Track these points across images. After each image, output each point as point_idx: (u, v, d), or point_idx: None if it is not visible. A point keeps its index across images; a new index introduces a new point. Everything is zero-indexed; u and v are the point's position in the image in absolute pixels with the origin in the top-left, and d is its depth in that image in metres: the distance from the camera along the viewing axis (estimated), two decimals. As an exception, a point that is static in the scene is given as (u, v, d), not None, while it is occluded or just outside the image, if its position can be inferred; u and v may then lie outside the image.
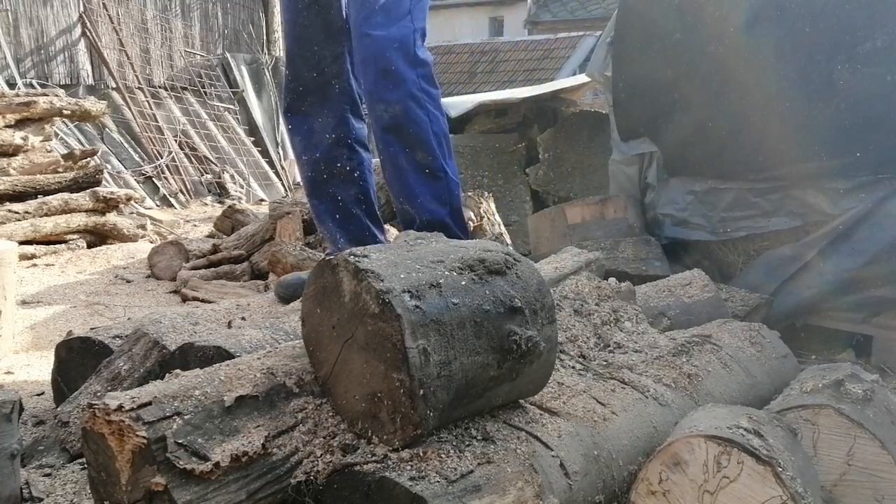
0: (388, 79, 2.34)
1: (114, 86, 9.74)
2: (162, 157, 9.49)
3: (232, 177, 10.19)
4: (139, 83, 10.03)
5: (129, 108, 9.65)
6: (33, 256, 5.21)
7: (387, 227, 3.83)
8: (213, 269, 4.53)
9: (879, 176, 2.96)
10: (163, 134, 9.78)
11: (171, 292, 4.38)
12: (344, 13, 2.60)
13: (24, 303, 3.94)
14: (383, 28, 2.32)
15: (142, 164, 9.32)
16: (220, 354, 1.69)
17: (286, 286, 2.45)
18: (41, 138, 6.13)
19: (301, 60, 2.63)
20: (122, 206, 6.32)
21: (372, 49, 2.35)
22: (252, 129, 11.31)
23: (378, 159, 2.53)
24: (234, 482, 1.22)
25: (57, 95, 6.53)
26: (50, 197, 5.65)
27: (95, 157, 6.66)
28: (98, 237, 5.87)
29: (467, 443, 1.34)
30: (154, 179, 9.29)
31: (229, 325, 2.20)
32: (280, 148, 11.48)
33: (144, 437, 1.16)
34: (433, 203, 2.41)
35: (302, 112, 2.67)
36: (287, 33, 2.66)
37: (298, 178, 10.74)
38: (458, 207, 2.49)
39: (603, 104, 4.87)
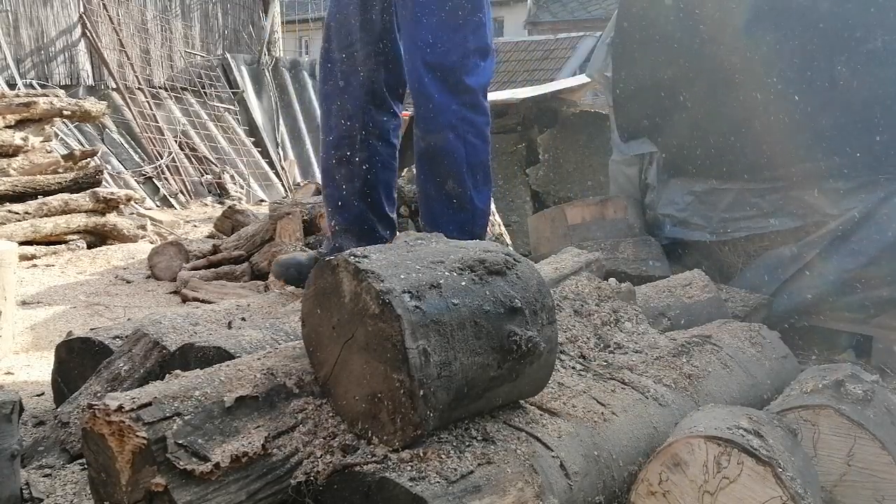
0: (428, 109, 2.27)
1: (114, 86, 9.75)
2: (162, 158, 9.50)
3: (232, 177, 10.20)
4: (139, 84, 10.04)
5: (130, 109, 9.65)
6: (33, 257, 5.21)
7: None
8: (213, 269, 4.53)
9: (879, 176, 2.96)
10: (163, 134, 9.78)
11: (171, 293, 4.38)
12: (384, 17, 2.49)
13: (24, 303, 3.94)
14: (428, 54, 2.21)
15: (142, 164, 9.32)
16: (220, 355, 1.69)
17: (281, 265, 2.44)
18: (41, 139, 6.14)
19: (336, 41, 2.53)
20: (122, 206, 6.33)
21: (414, 74, 2.27)
22: (252, 130, 11.31)
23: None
24: (234, 483, 1.22)
25: (57, 96, 6.54)
26: (50, 197, 5.65)
27: (95, 157, 6.67)
28: (98, 238, 5.87)
29: (467, 443, 1.34)
30: (154, 180, 9.29)
31: (229, 326, 2.20)
32: (280, 148, 11.48)
33: (144, 438, 1.16)
34: (455, 232, 2.31)
35: (326, 90, 2.59)
36: (330, 10, 2.57)
37: (299, 179, 10.74)
38: (482, 236, 2.41)
39: (603, 105, 4.87)
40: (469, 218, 2.35)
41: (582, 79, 5.27)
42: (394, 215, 2.73)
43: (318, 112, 2.63)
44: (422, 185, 2.40)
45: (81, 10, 9.63)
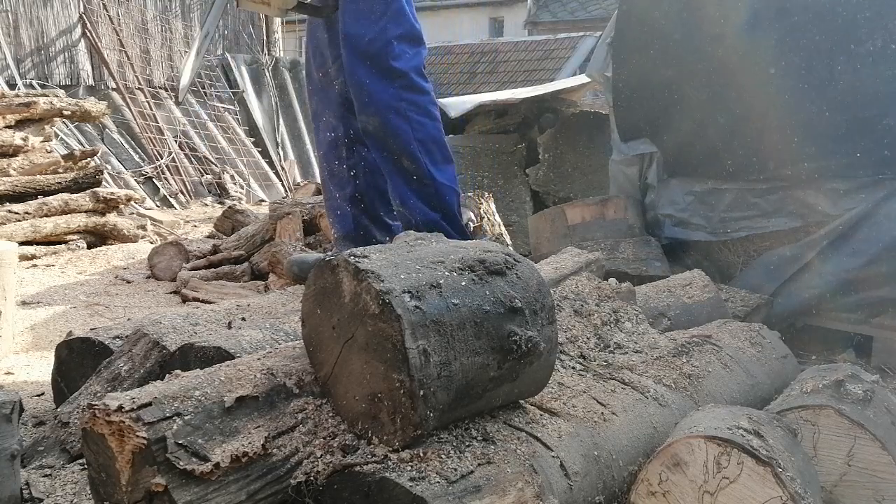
0: (363, 94, 2.39)
1: (114, 86, 9.74)
2: (162, 158, 9.49)
3: (232, 177, 10.19)
4: (139, 84, 10.03)
5: (130, 109, 9.65)
6: (33, 257, 5.21)
7: None
8: (213, 269, 4.53)
9: (879, 176, 2.96)
10: (163, 134, 9.78)
11: (171, 293, 4.38)
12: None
13: (24, 303, 3.94)
14: (355, 46, 2.35)
15: (142, 164, 9.32)
16: (220, 355, 1.69)
17: (298, 263, 2.51)
18: (41, 139, 6.14)
19: (314, 60, 2.69)
20: (122, 206, 6.33)
21: (348, 66, 2.41)
22: (252, 130, 11.31)
23: None
24: (234, 483, 1.22)
25: (57, 96, 6.54)
26: (50, 197, 5.65)
27: (95, 157, 6.67)
28: (98, 238, 5.87)
29: (467, 443, 1.34)
30: (154, 180, 9.29)
31: (229, 326, 2.20)
32: (280, 148, 11.48)
33: (144, 438, 1.16)
34: (425, 206, 2.44)
35: (313, 109, 2.76)
36: (306, 32, 2.75)
37: (299, 179, 10.76)
38: (453, 212, 2.49)
39: (603, 105, 4.87)
40: (434, 193, 2.44)
41: (582, 79, 5.27)
42: (391, 219, 2.77)
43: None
44: (381, 164, 2.51)
45: (81, 10, 9.63)
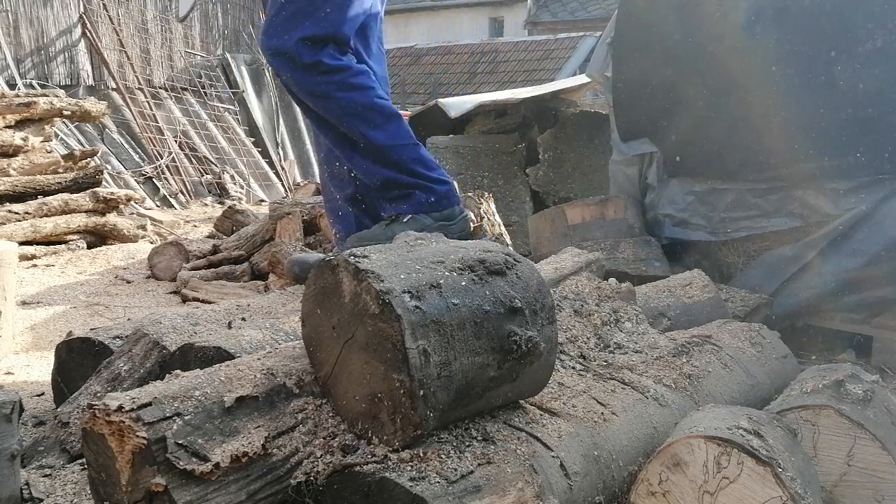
0: (284, 80, 2.49)
1: (114, 86, 9.75)
2: (162, 158, 9.49)
3: (232, 177, 10.20)
4: (139, 84, 10.03)
5: (130, 109, 9.65)
6: (33, 257, 5.21)
7: None
8: (213, 269, 4.53)
9: (879, 176, 2.96)
10: (163, 134, 9.78)
11: (171, 293, 4.38)
12: None
13: (24, 303, 3.94)
14: (270, 38, 2.44)
15: (142, 164, 9.32)
16: (220, 355, 1.69)
17: (299, 263, 2.55)
18: (41, 139, 6.14)
19: None
20: (122, 206, 6.33)
21: (272, 67, 2.53)
22: (252, 130, 11.31)
23: None
24: (234, 483, 1.22)
25: (57, 96, 6.54)
26: (50, 197, 5.65)
27: (95, 157, 6.67)
28: (98, 238, 5.87)
29: (467, 443, 1.34)
30: (154, 180, 9.29)
31: (229, 326, 2.20)
32: (280, 148, 11.48)
33: (144, 438, 1.16)
34: (375, 166, 2.52)
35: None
36: None
37: (299, 179, 10.75)
38: (408, 166, 2.51)
39: (603, 105, 4.87)
40: (382, 154, 2.50)
41: (582, 79, 5.27)
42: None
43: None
44: (334, 146, 2.59)
45: (81, 10, 9.63)
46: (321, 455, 1.29)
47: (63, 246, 5.53)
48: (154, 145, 9.58)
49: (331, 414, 1.35)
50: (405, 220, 2.48)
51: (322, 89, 2.44)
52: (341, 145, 2.55)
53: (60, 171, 6.05)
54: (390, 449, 1.26)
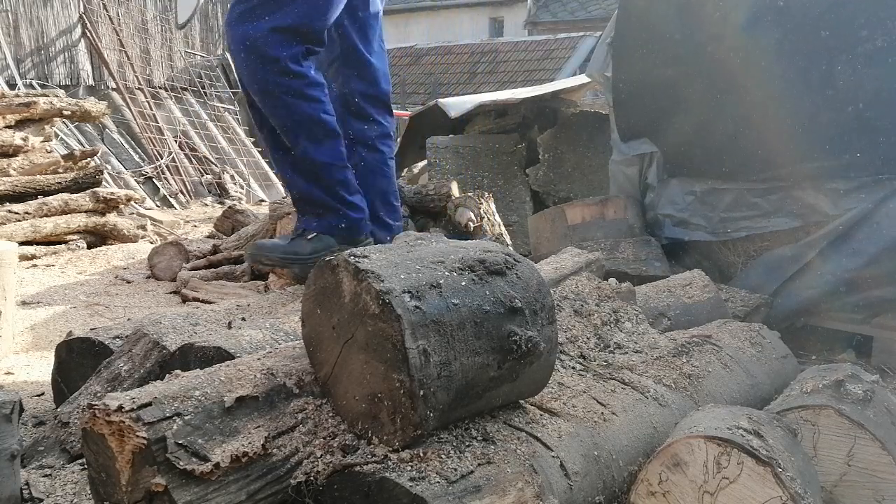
0: (240, 76, 2.53)
1: (114, 86, 9.74)
2: (162, 158, 9.49)
3: (232, 177, 10.19)
4: (139, 84, 10.03)
5: (130, 109, 9.65)
6: (33, 257, 5.21)
7: None
8: (213, 269, 4.53)
9: (879, 176, 2.96)
10: (163, 134, 9.78)
11: (171, 293, 4.38)
12: (339, 31, 2.72)
13: (24, 303, 3.94)
14: (238, 24, 2.45)
15: (142, 164, 9.32)
16: (220, 355, 1.69)
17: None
18: (41, 139, 6.13)
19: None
20: (122, 206, 6.32)
21: (232, 49, 2.52)
22: (252, 130, 11.29)
23: None
24: (234, 483, 1.22)
25: (57, 96, 6.53)
26: (50, 197, 5.65)
27: (95, 157, 6.66)
28: (98, 238, 5.86)
29: (467, 443, 1.34)
30: (154, 180, 9.28)
31: (229, 326, 2.20)
32: (280, 148, 11.47)
33: (144, 438, 1.16)
34: (299, 179, 2.54)
35: None
36: None
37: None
38: (334, 188, 2.53)
39: (603, 105, 4.87)
40: (309, 168, 2.52)
41: (582, 79, 5.27)
42: (392, 219, 2.78)
43: None
44: (261, 134, 2.63)
45: (81, 10, 9.63)
46: (321, 455, 1.29)
47: (63, 246, 5.52)
48: (154, 145, 9.58)
49: (331, 414, 1.35)
50: (310, 237, 2.48)
51: (275, 89, 2.44)
52: (273, 147, 2.56)
53: (60, 171, 6.04)
54: (390, 449, 1.26)
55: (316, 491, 1.27)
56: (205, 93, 10.94)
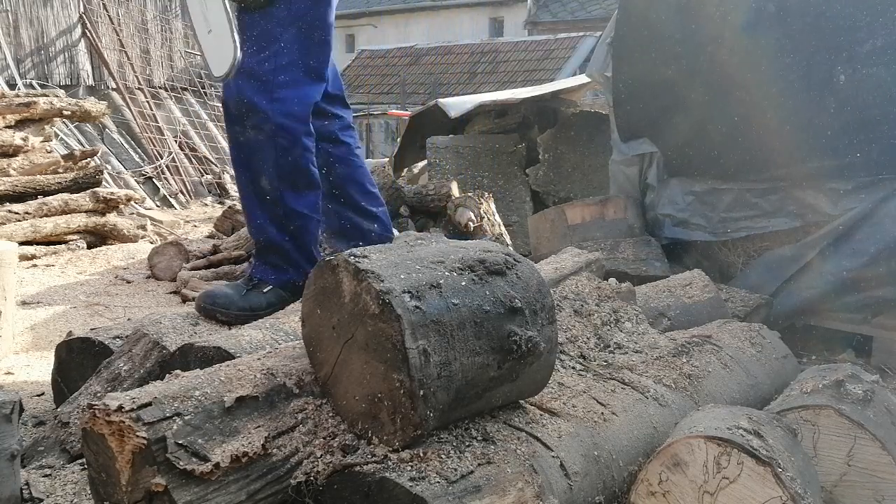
0: (241, 108, 2.38)
1: (114, 86, 9.74)
2: (162, 158, 9.49)
3: (232, 177, 10.19)
4: (139, 84, 10.03)
5: (130, 109, 9.65)
6: (33, 257, 5.21)
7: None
8: (213, 269, 4.53)
9: (879, 176, 2.96)
10: (163, 134, 9.78)
11: (171, 293, 4.38)
12: None
13: (24, 303, 3.94)
14: (248, 60, 2.34)
15: (142, 164, 9.32)
16: (220, 355, 1.69)
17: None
18: (41, 139, 6.13)
19: None
20: (122, 206, 6.32)
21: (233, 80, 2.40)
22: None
23: None
24: (234, 483, 1.22)
25: (57, 96, 6.53)
26: (50, 197, 5.65)
27: (95, 157, 6.66)
28: (98, 238, 5.86)
29: (467, 443, 1.34)
30: (154, 180, 9.28)
31: (229, 326, 2.20)
32: (280, 148, 11.47)
33: (144, 438, 1.16)
34: (271, 227, 2.43)
35: None
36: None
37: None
38: (304, 239, 2.46)
39: (603, 105, 4.87)
40: (282, 215, 2.43)
41: (582, 79, 5.27)
42: (374, 206, 2.76)
43: None
44: (237, 172, 2.52)
45: (81, 10, 9.63)
46: (321, 455, 1.29)
47: (63, 246, 5.52)
48: (154, 145, 9.58)
49: (331, 414, 1.35)
50: (266, 290, 2.40)
51: (270, 129, 2.36)
52: (248, 189, 2.45)
53: (60, 171, 6.04)
54: (390, 449, 1.26)
55: (316, 491, 1.27)
56: (205, 93, 10.94)
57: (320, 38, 2.46)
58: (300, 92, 2.43)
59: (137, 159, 9.37)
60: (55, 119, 6.39)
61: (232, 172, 10.25)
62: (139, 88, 10.00)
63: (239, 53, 2.19)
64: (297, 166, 2.42)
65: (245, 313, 2.29)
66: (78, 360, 2.09)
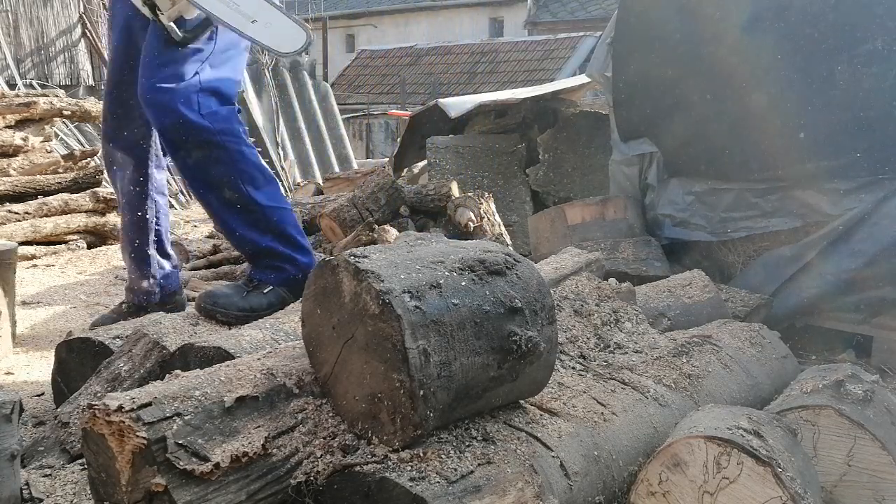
0: (181, 131, 2.37)
1: (114, 86, 9.74)
2: (162, 158, 9.49)
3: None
4: (139, 84, 10.03)
5: (130, 109, 9.65)
6: (33, 257, 5.21)
7: (386, 227, 3.84)
8: (213, 269, 4.53)
9: (879, 176, 2.96)
10: (163, 134, 9.78)
11: (171, 293, 4.37)
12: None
13: (24, 303, 3.94)
14: (169, 82, 2.36)
15: (142, 164, 9.32)
16: (220, 355, 1.69)
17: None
18: (41, 139, 6.13)
19: (116, 118, 2.65)
20: (122, 206, 6.31)
21: (162, 103, 2.39)
22: (252, 130, 11.29)
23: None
24: (234, 483, 1.22)
25: (57, 96, 6.53)
26: (50, 197, 5.65)
27: (95, 157, 6.66)
28: (98, 237, 5.86)
29: (467, 443, 1.34)
30: (154, 180, 9.28)
31: (229, 326, 2.20)
32: (280, 148, 11.48)
33: (144, 438, 1.16)
34: (252, 233, 2.45)
35: (115, 162, 2.75)
36: (107, 92, 2.70)
37: (299, 179, 10.70)
38: (286, 232, 2.48)
39: (603, 105, 4.87)
40: (260, 217, 2.45)
41: (582, 79, 5.27)
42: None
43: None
44: (205, 203, 2.51)
45: (81, 10, 9.63)
46: (321, 455, 1.29)
47: (63, 246, 5.52)
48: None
49: (331, 414, 1.35)
50: (266, 290, 2.41)
51: (214, 139, 2.38)
52: (219, 208, 2.46)
53: (60, 171, 6.04)
54: (390, 449, 1.26)
55: (316, 491, 1.27)
56: (205, 93, 10.92)
57: (235, 60, 2.57)
58: (222, 99, 2.46)
59: (137, 159, 9.36)
60: (55, 119, 6.39)
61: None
62: (139, 88, 9.99)
63: (306, 30, 2.32)
64: (250, 163, 2.45)
65: (245, 313, 2.30)
66: (78, 360, 2.09)
